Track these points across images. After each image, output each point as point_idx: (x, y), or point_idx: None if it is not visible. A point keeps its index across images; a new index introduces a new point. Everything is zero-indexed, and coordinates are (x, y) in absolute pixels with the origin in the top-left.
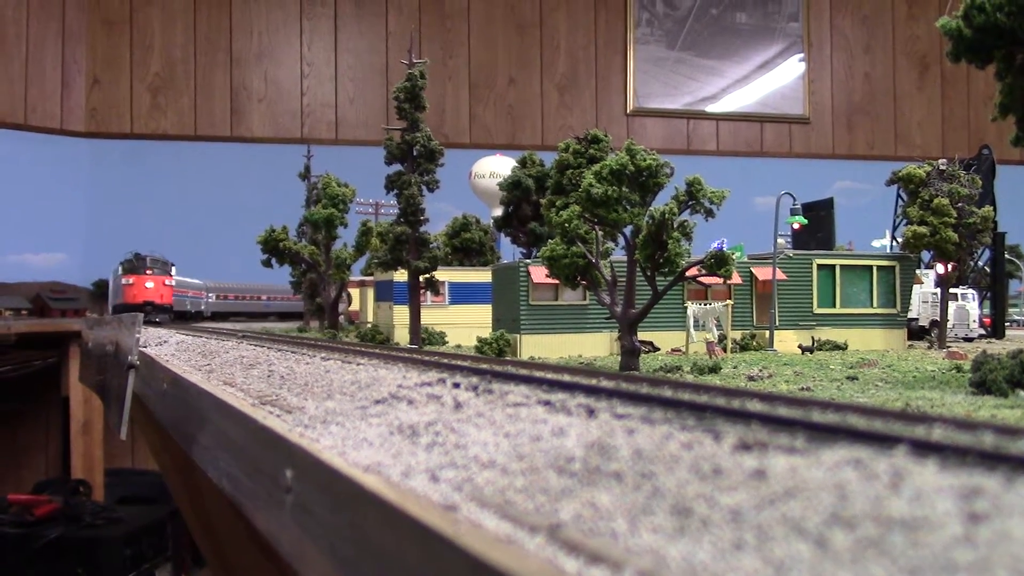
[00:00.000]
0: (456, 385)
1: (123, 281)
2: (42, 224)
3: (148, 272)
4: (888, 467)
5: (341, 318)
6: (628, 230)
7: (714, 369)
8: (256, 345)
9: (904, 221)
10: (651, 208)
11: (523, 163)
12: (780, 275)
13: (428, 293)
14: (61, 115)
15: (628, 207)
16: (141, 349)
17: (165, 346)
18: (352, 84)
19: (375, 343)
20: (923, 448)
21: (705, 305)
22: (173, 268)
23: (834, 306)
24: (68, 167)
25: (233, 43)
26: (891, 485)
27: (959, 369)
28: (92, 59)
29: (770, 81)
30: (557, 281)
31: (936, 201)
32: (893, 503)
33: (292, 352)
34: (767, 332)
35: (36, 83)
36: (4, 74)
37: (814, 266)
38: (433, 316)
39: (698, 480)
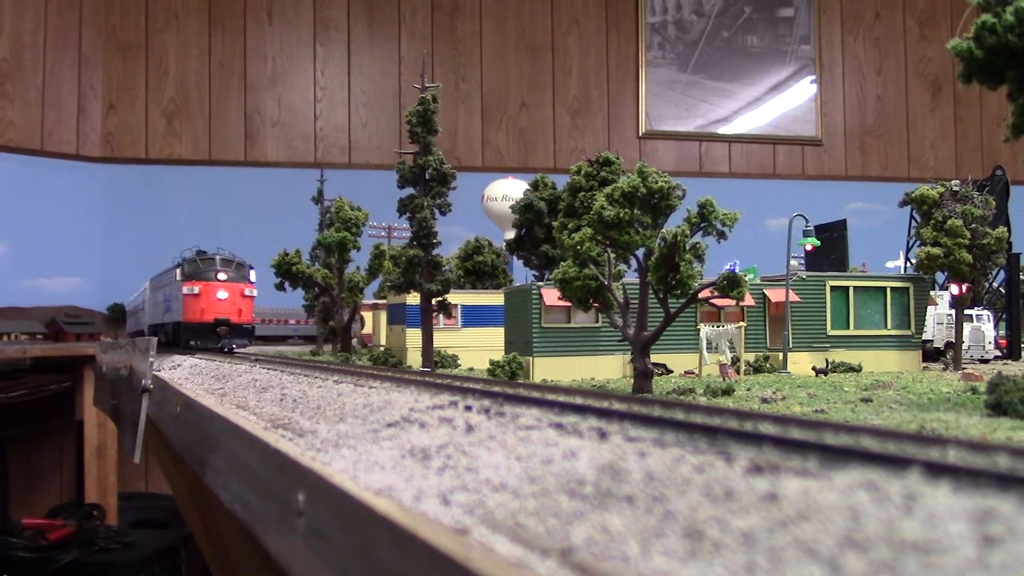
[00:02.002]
0: (468, 408)
1: (184, 290)
2: (57, 249)
3: (221, 277)
4: (901, 489)
5: (354, 341)
6: (640, 252)
7: (727, 391)
8: (269, 368)
9: (918, 242)
10: (663, 230)
11: (535, 186)
12: (793, 297)
13: (440, 316)
14: (77, 140)
15: (640, 229)
16: (155, 373)
17: (179, 370)
18: (365, 108)
19: (387, 366)
20: (936, 470)
21: (718, 327)
22: (252, 272)
23: (848, 328)
24: (83, 192)
25: (247, 68)
26: (904, 507)
27: (974, 391)
28: (108, 85)
29: (782, 103)
30: (569, 304)
31: (950, 222)
32: (906, 526)
33: (305, 375)
34: (780, 354)
35: (52, 109)
36: (21, 100)
37: (827, 288)
38: (445, 339)
39: (710, 503)
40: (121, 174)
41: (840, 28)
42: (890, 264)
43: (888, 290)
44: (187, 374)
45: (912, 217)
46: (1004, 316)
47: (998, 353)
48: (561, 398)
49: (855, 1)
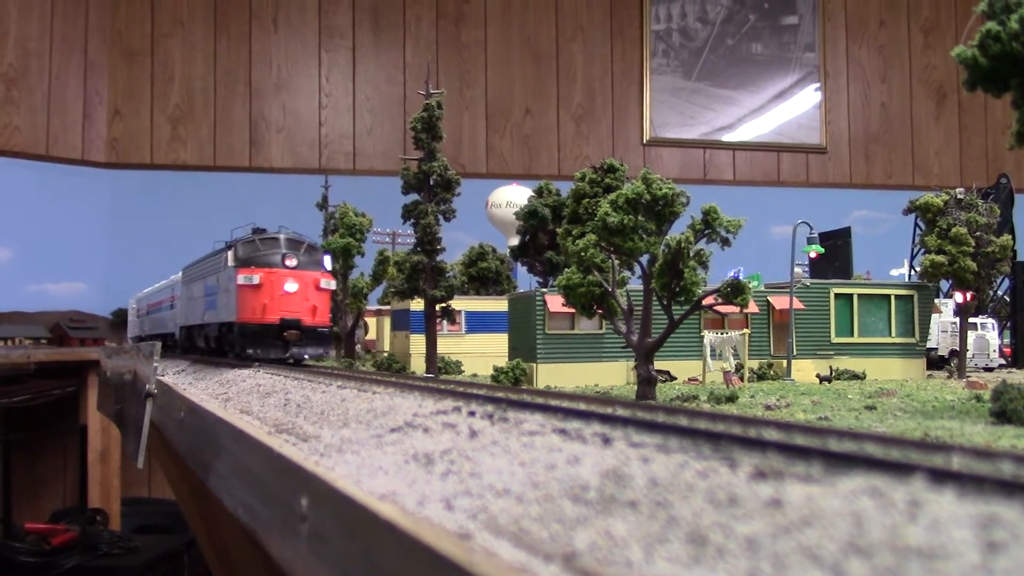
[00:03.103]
0: (471, 413)
1: (240, 280)
2: (62, 254)
3: (290, 263)
4: (905, 495)
5: (358, 347)
6: (644, 259)
7: (731, 398)
8: (273, 373)
9: (922, 250)
10: (667, 237)
11: (539, 192)
12: (797, 304)
13: (444, 322)
14: (82, 146)
15: (644, 236)
16: (158, 378)
17: (182, 375)
18: (370, 115)
19: (391, 372)
20: (940, 476)
21: (722, 334)
22: (327, 259)
23: (852, 335)
24: (88, 197)
25: (252, 74)
26: (908, 514)
27: (979, 399)
28: (113, 91)
29: (786, 111)
30: (573, 310)
31: (954, 230)
32: (910, 532)
33: (308, 381)
34: (784, 361)
35: (58, 115)
36: (27, 106)
37: (832, 295)
38: (449, 345)
39: (714, 509)
40: (126, 179)
41: (844, 36)
42: (894, 272)
43: (892, 298)
44: (191, 379)
45: (916, 225)
46: (1008, 324)
47: (1002, 361)
48: (564, 404)
49: (859, 9)
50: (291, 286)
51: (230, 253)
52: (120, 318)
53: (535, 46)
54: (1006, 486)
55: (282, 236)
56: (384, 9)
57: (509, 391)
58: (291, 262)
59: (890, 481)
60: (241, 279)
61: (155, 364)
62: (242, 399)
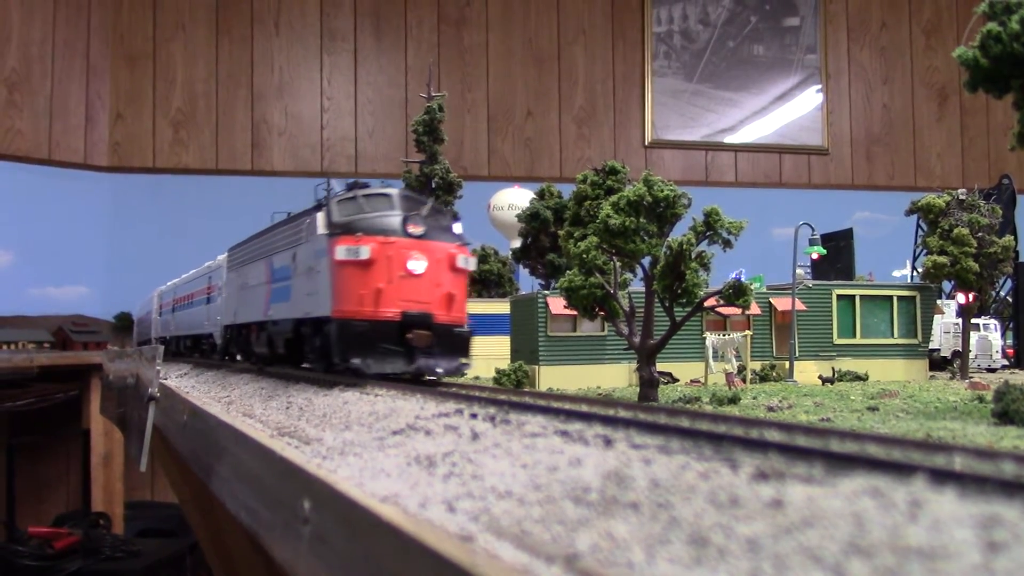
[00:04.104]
0: (473, 416)
1: (338, 253)
2: (65, 258)
3: (414, 231)
4: (906, 496)
5: None
6: (646, 261)
7: (733, 400)
8: (275, 377)
9: (924, 251)
10: (669, 239)
11: (541, 195)
12: (800, 305)
13: None
14: (85, 150)
15: (646, 238)
16: (161, 381)
17: (185, 378)
18: (372, 118)
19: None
20: (942, 477)
21: (724, 336)
22: (458, 225)
23: (854, 337)
24: (91, 201)
25: (254, 78)
26: (909, 514)
27: (981, 400)
28: (115, 94)
29: (788, 112)
30: (575, 312)
31: (956, 231)
32: (911, 532)
33: (310, 383)
34: (787, 363)
35: (60, 118)
36: (29, 109)
37: (834, 296)
38: None
39: (715, 510)
40: (128, 183)
41: (846, 37)
42: (896, 273)
43: (895, 299)
44: (193, 382)
45: (919, 226)
46: (1011, 325)
47: (1005, 362)
48: (566, 406)
49: (861, 10)
50: (417, 264)
51: (320, 216)
52: (123, 322)
53: (536, 49)
54: (1006, 486)
55: (395, 191)
56: (385, 12)
57: (511, 393)
58: (416, 228)
59: (891, 481)
60: (341, 253)
61: (157, 368)
62: (244, 402)
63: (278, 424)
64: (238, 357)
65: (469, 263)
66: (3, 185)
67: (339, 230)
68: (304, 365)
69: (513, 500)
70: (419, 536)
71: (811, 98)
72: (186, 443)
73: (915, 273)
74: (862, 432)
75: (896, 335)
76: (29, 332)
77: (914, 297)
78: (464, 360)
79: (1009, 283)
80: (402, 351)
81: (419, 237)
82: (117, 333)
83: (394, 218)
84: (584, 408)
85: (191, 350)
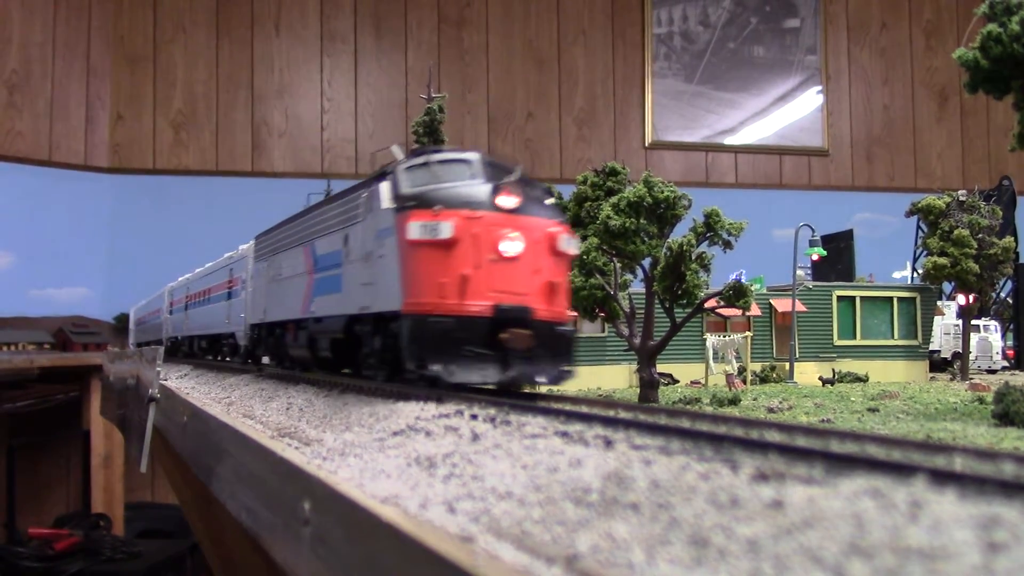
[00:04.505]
0: (474, 417)
1: (411, 231)
2: (65, 259)
3: (506, 203)
4: (906, 497)
5: None
6: (646, 262)
7: (734, 401)
8: (276, 378)
9: (924, 252)
10: (669, 240)
11: None
12: (800, 307)
13: None
14: (85, 151)
15: (646, 239)
16: (161, 382)
17: (185, 379)
18: (372, 119)
19: None
20: (942, 478)
21: (724, 337)
22: (550, 200)
23: (855, 338)
24: (91, 202)
25: (255, 79)
26: (909, 515)
27: (982, 401)
28: (116, 96)
29: (788, 113)
30: (575, 313)
31: (956, 232)
32: (911, 532)
33: (310, 384)
34: (787, 364)
35: (61, 120)
36: (30, 111)
37: (834, 298)
38: None
39: (715, 510)
40: (129, 184)
41: (846, 38)
42: (897, 274)
43: (895, 300)
44: (194, 383)
45: (919, 227)
46: (1011, 326)
47: (1005, 363)
48: (567, 407)
49: (861, 11)
50: (512, 245)
51: (384, 187)
52: (123, 323)
53: (537, 50)
54: (1006, 487)
55: (476, 155)
56: (386, 13)
57: (510, 394)
58: (509, 200)
59: (891, 482)
60: (415, 231)
61: (158, 369)
62: (245, 403)
63: (278, 425)
64: (265, 360)
65: (572, 245)
66: (3, 186)
67: (411, 203)
68: (356, 371)
69: (513, 501)
70: (419, 537)
71: (811, 99)
72: (186, 444)
73: (915, 274)
74: (862, 433)
75: (896, 336)
76: (29, 333)
77: (914, 298)
78: (568, 367)
79: (1009, 284)
80: (494, 355)
81: (512, 211)
82: (117, 334)
83: (480, 187)
84: (584, 409)
85: (207, 352)
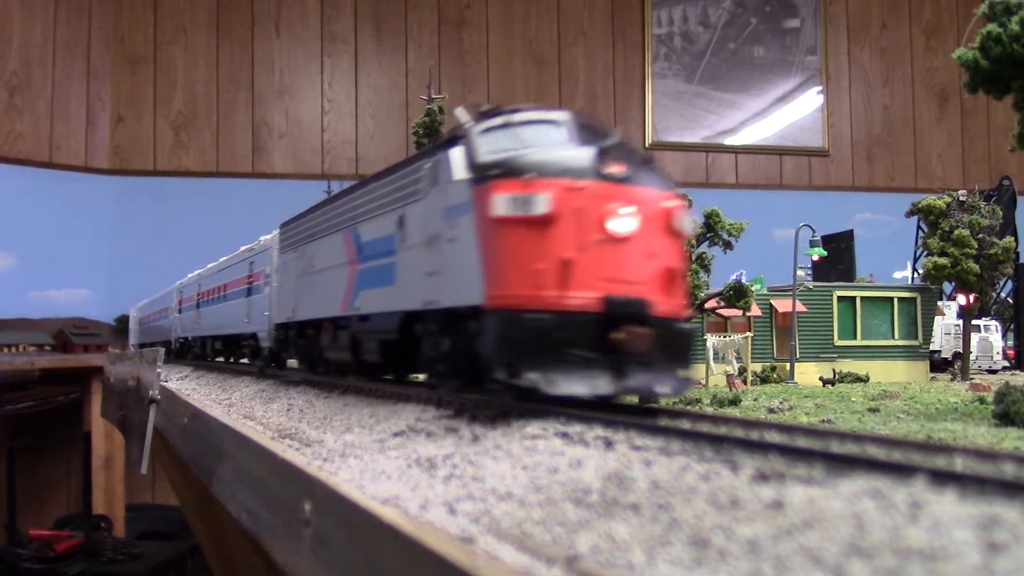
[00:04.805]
0: (474, 418)
1: (497, 205)
2: (65, 260)
3: (613, 170)
4: (906, 497)
5: None
6: None
7: (734, 402)
8: (276, 379)
9: (925, 252)
10: None
11: None
12: (800, 307)
13: None
14: (85, 152)
15: None
16: (162, 383)
17: (186, 380)
18: (372, 120)
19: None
20: (942, 478)
21: (724, 337)
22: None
23: (855, 338)
24: (91, 204)
25: (255, 80)
26: (909, 515)
27: (982, 401)
28: (116, 97)
29: (789, 114)
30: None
31: (957, 232)
32: (911, 533)
33: (311, 386)
34: (787, 364)
35: (61, 121)
36: (30, 112)
37: (834, 298)
38: None
39: (716, 511)
40: (129, 186)
41: (846, 39)
42: (897, 274)
43: (895, 300)
44: (194, 384)
45: (919, 227)
46: (1012, 326)
47: (1006, 363)
48: (567, 408)
49: (861, 12)
50: (623, 222)
51: (456, 152)
52: (124, 324)
53: (537, 50)
54: (1007, 487)
55: (566, 115)
56: (386, 14)
57: (511, 396)
58: (617, 167)
59: (891, 483)
60: (502, 205)
61: (158, 370)
62: (245, 404)
63: (279, 426)
64: (292, 363)
65: (687, 223)
66: (4, 188)
67: (494, 171)
68: (414, 377)
69: (514, 502)
70: (420, 538)
71: (811, 100)
72: (187, 446)
73: (916, 274)
74: (862, 433)
75: (897, 336)
76: (30, 335)
77: (915, 298)
78: (684, 371)
79: (1010, 284)
80: (605, 360)
81: (622, 181)
82: (118, 336)
83: (581, 151)
84: (584, 410)
85: (222, 354)
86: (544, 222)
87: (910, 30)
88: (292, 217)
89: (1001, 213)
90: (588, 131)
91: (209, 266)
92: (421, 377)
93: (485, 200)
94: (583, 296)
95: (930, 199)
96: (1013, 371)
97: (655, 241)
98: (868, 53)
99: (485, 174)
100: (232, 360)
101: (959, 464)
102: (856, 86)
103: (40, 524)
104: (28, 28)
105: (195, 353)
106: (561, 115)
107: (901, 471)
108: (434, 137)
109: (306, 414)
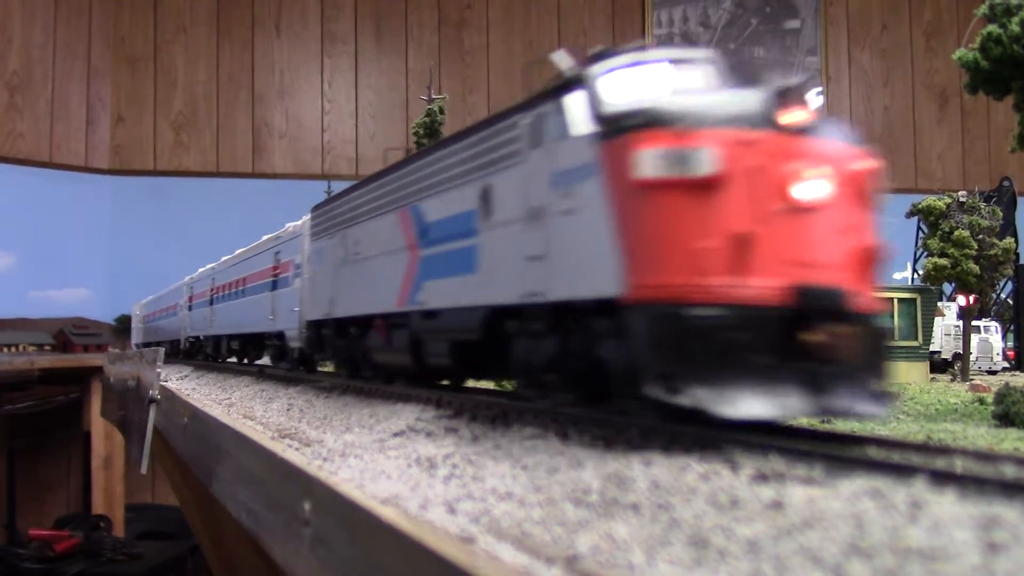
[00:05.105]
0: (474, 418)
1: (643, 164)
2: (66, 260)
3: (795, 118)
4: (906, 497)
5: None
6: None
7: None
8: (276, 379)
9: (925, 253)
10: None
11: None
12: None
13: None
14: (86, 152)
15: None
16: (162, 383)
17: (186, 380)
18: (372, 120)
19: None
20: (941, 478)
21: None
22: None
23: None
24: (92, 204)
25: (255, 81)
26: (909, 515)
27: (982, 402)
28: (116, 97)
29: None
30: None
31: (957, 233)
32: (911, 533)
33: (311, 386)
34: None
35: (62, 121)
36: (31, 112)
37: None
38: None
39: (715, 511)
40: (129, 186)
41: (847, 40)
42: (897, 275)
43: (895, 301)
44: (194, 384)
45: (919, 228)
46: (1012, 327)
47: (1006, 364)
48: (567, 408)
49: (861, 13)
50: (812, 187)
51: (575, 99)
52: (124, 324)
53: (537, 51)
54: (1006, 487)
55: (714, 54)
56: (386, 15)
57: (511, 396)
58: (796, 115)
59: (891, 483)
60: (649, 163)
61: (158, 370)
62: (245, 404)
63: (279, 426)
64: (328, 367)
65: (879, 185)
66: (4, 188)
67: (633, 121)
68: (468, 376)
69: (514, 502)
70: (420, 538)
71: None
72: (187, 445)
73: (916, 275)
74: (863, 435)
75: (897, 337)
76: (30, 335)
77: (915, 299)
78: (884, 386)
79: (1010, 285)
80: (794, 370)
81: (803, 133)
82: (118, 336)
83: (748, 94)
84: (584, 410)
85: (239, 355)
86: (709, 186)
87: (910, 31)
88: (328, 198)
89: (1001, 214)
90: (745, 72)
91: (224, 259)
92: (508, 384)
93: (622, 159)
94: (764, 285)
95: (930, 200)
96: (1013, 372)
97: (849, 212)
98: (868, 54)
99: (620, 125)
100: (249, 362)
101: (959, 465)
102: (856, 87)
103: (40, 524)
104: (29, 28)
105: (207, 354)
106: (705, 52)
107: (901, 471)
108: (434, 137)
109: (306, 414)
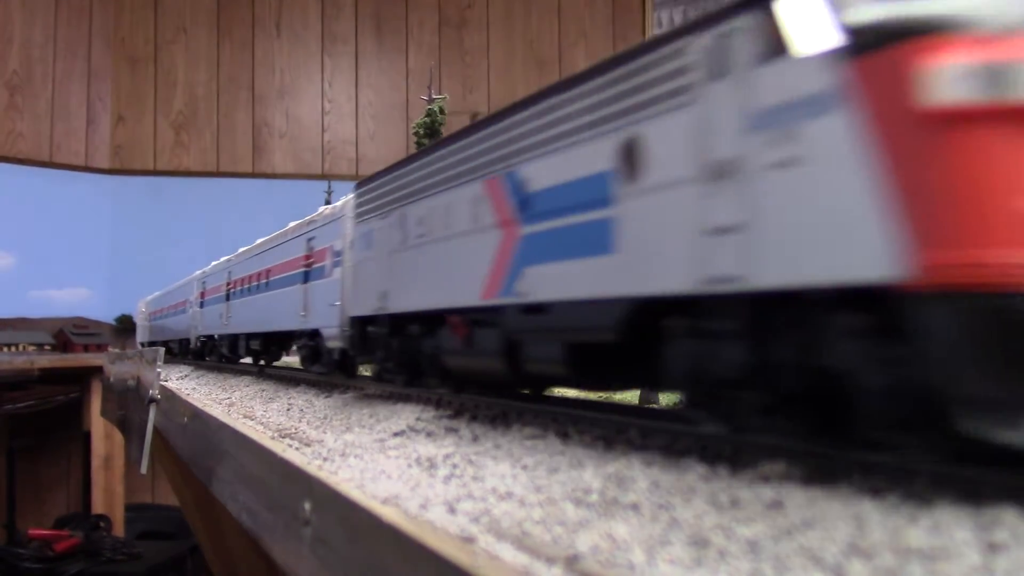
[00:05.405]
0: (474, 418)
1: (938, 86)
2: (66, 260)
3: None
4: (906, 497)
5: None
6: None
7: None
8: (276, 379)
9: None
10: None
11: None
12: None
13: None
14: (86, 152)
15: None
16: (162, 383)
17: (186, 380)
18: (373, 120)
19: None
20: (942, 478)
21: None
22: None
23: None
24: (92, 204)
25: (255, 81)
26: (909, 516)
27: None
28: (117, 97)
29: None
30: None
31: None
32: (911, 533)
33: (311, 386)
34: None
35: (62, 121)
36: (31, 112)
37: None
38: None
39: (716, 511)
40: (129, 186)
41: None
42: None
43: None
44: (194, 384)
45: None
46: None
47: None
48: (568, 408)
49: None
50: None
51: (786, 5)
52: (124, 324)
53: (537, 51)
54: (1006, 487)
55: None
56: (387, 15)
57: (512, 396)
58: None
59: (891, 482)
60: (950, 82)
61: (158, 370)
62: (245, 404)
63: (279, 426)
64: (376, 372)
65: None
66: (5, 187)
67: (910, 25)
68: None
69: (514, 501)
70: (420, 538)
71: None
72: (187, 445)
73: None
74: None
75: None
76: (30, 334)
77: None
78: None
79: None
80: None
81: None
82: (118, 336)
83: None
84: (585, 410)
85: (259, 356)
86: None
87: None
88: (378, 171)
89: None
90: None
91: (241, 250)
92: (666, 399)
93: (898, 80)
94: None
95: None
96: None
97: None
98: None
99: (887, 31)
100: (260, 362)
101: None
102: None
103: (40, 524)
104: (29, 28)
105: (222, 354)
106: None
107: (901, 471)
108: (435, 137)
109: (306, 414)
